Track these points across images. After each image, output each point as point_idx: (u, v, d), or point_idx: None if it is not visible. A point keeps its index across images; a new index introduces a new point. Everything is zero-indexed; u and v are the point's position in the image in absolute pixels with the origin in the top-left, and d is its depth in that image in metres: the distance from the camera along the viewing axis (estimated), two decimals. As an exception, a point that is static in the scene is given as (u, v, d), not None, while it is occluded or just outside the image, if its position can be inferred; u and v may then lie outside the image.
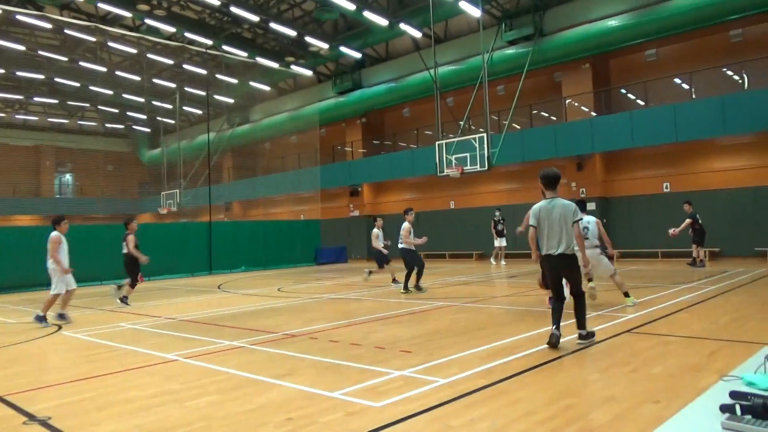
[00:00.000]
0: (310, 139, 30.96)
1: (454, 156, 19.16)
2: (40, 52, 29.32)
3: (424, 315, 8.87)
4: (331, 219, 29.25)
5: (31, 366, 6.37)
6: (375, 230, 14.48)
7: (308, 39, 25.94)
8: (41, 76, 32.70)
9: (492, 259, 21.22)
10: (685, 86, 20.52)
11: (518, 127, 23.21)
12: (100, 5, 23.14)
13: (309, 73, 30.23)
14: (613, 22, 19.83)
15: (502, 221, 20.39)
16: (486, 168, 18.42)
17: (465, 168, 18.86)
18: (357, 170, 28.44)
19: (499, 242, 20.51)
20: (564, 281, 6.22)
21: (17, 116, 39.27)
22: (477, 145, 18.51)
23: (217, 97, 32.84)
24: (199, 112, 36.91)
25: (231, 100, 34.27)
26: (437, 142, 19.51)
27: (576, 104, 22.11)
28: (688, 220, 15.46)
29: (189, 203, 30.04)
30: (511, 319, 8.10)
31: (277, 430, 3.84)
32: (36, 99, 37.06)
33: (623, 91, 22.34)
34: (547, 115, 24.10)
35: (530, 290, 11.79)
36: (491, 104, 20.06)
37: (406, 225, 12.16)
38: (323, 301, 11.59)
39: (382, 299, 11.08)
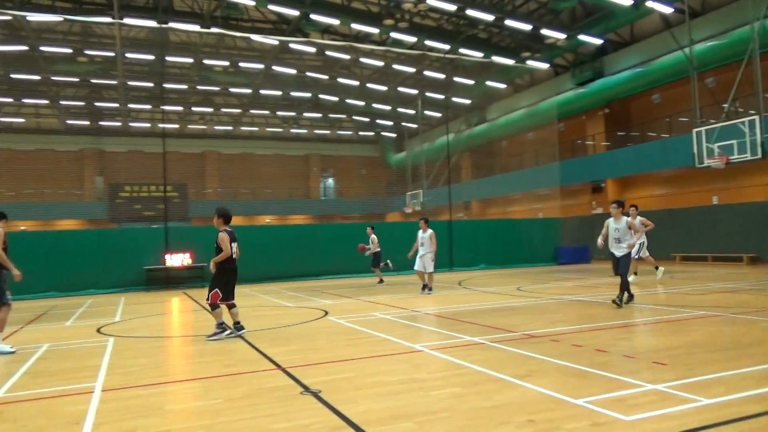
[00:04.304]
0: (548, 134, 30.06)
1: (716, 144, 16.78)
2: (308, 74, 33.93)
3: (682, 324, 7.95)
4: (571, 217, 27.98)
5: (304, 345, 7.44)
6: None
7: (544, 31, 25.24)
8: (308, 95, 37.80)
9: None
10: None
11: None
12: (353, 25, 25.87)
13: (546, 66, 29.39)
14: None
15: None
16: (759, 156, 15.70)
17: (731, 157, 16.37)
18: (599, 165, 26.69)
19: None
20: None
21: (291, 130, 45.98)
22: (746, 129, 15.90)
23: (455, 99, 33.98)
24: (439, 115, 38.63)
25: (468, 101, 35.11)
26: (694, 130, 17.28)
27: None
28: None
29: (431, 202, 31.62)
30: (797, 336, 6.79)
31: (518, 431, 3.86)
32: (305, 114, 42.96)
33: None
34: None
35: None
36: (764, 81, 17.01)
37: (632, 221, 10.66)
38: (564, 302, 11.18)
39: (630, 304, 10.23)
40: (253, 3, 23.57)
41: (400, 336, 7.72)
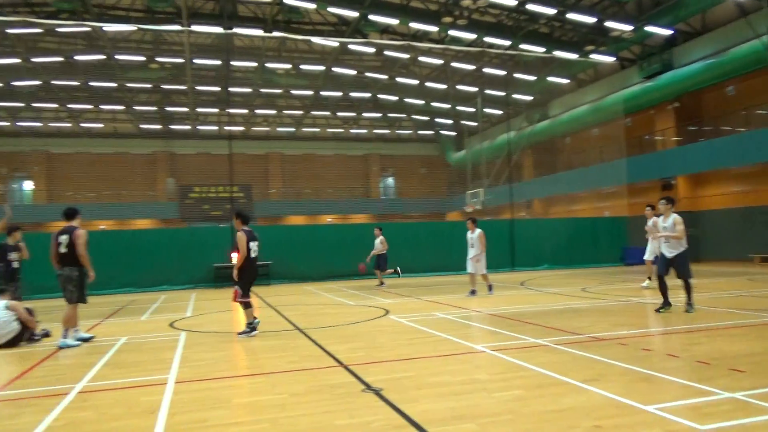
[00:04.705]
0: (613, 130, 29.03)
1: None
2: (367, 74, 34.22)
3: (763, 330, 7.51)
4: (640, 216, 26.89)
5: (365, 342, 7.53)
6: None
7: (609, 24, 24.39)
8: (368, 95, 38.12)
9: None
10: None
11: None
12: (412, 24, 25.89)
13: (611, 59, 28.37)
14: None
15: None
16: None
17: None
18: (669, 161, 25.53)
19: None
20: None
21: (351, 131, 46.48)
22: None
23: (515, 96, 33.37)
24: (499, 112, 38.08)
25: (529, 98, 34.41)
26: (777, 122, 16.23)
27: None
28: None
29: (491, 201, 31.20)
30: None
31: (584, 435, 3.77)
32: (365, 114, 43.33)
33: None
34: None
35: None
36: None
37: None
38: (632, 304, 10.78)
39: (704, 307, 9.75)
40: (314, 6, 23.99)
41: (461, 336, 7.68)
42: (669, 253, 9.14)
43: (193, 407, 4.75)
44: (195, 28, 25.24)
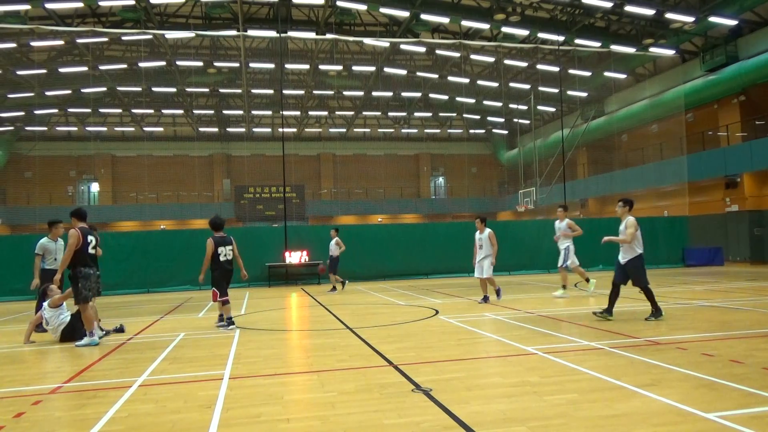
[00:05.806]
0: (673, 126, 27.90)
1: None
2: (418, 73, 34.21)
3: (837, 336, 7.06)
4: (701, 215, 25.81)
5: (415, 342, 7.54)
6: None
7: (669, 15, 23.48)
8: (419, 94, 38.10)
9: None
10: None
11: None
12: (463, 22, 25.71)
13: (671, 53, 27.32)
14: None
15: None
16: None
17: None
18: (734, 157, 24.33)
19: None
20: None
21: (402, 130, 46.55)
22: None
23: (570, 92, 32.58)
24: (553, 109, 37.30)
25: (584, 94, 33.53)
26: None
27: None
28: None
29: (544, 201, 30.59)
30: None
31: (640, 442, 3.66)
32: (416, 114, 43.32)
33: None
34: None
35: None
36: None
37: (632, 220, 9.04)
38: (693, 307, 10.34)
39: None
40: (365, 7, 24.17)
41: (511, 337, 7.57)
42: (622, 258, 8.94)
43: (246, 403, 4.89)
44: (250, 32, 25.93)
